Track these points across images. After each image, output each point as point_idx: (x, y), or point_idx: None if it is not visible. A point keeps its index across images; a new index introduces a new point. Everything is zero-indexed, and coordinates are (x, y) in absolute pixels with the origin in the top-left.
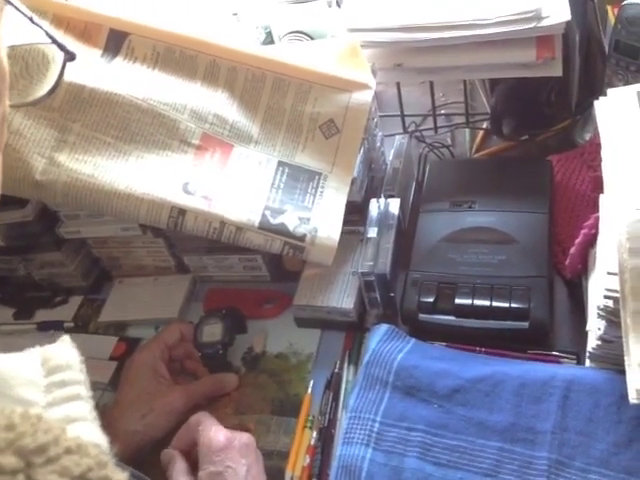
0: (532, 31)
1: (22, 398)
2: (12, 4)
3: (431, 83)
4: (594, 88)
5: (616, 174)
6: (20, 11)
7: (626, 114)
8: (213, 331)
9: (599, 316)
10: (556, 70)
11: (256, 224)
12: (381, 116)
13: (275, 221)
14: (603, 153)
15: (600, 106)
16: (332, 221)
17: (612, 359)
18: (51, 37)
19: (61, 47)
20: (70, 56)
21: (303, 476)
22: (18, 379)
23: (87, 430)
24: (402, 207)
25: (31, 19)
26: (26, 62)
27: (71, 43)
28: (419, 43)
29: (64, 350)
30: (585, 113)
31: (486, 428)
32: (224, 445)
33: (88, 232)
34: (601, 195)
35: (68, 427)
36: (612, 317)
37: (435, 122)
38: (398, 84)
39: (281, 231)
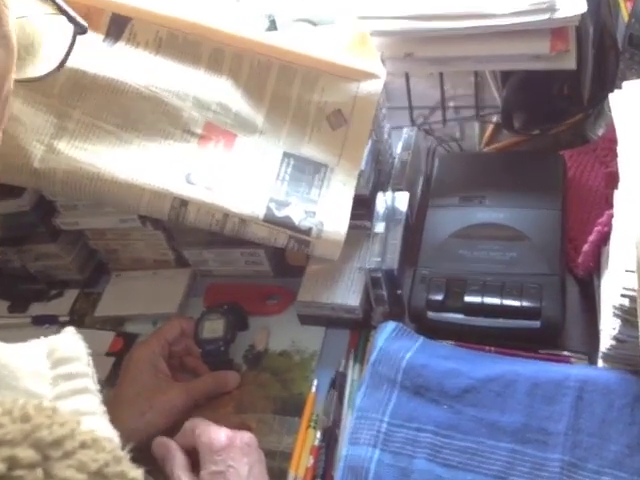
0: (547, 22)
1: (29, 390)
2: None
3: (441, 74)
4: (606, 82)
5: (632, 169)
6: None
7: None
8: (214, 327)
9: (614, 315)
10: (570, 63)
11: (261, 216)
12: (388, 108)
13: (280, 214)
14: (619, 148)
15: (615, 99)
16: (339, 215)
17: (626, 359)
18: (62, 8)
19: (71, 19)
20: (81, 29)
21: (307, 477)
22: (24, 371)
23: (97, 424)
24: (410, 201)
25: None
26: (25, 35)
27: None
28: (431, 32)
29: (70, 342)
30: (597, 107)
31: (497, 429)
32: (226, 444)
33: (86, 223)
34: (615, 191)
35: None
36: (628, 316)
37: (444, 115)
38: (407, 75)
39: (286, 224)
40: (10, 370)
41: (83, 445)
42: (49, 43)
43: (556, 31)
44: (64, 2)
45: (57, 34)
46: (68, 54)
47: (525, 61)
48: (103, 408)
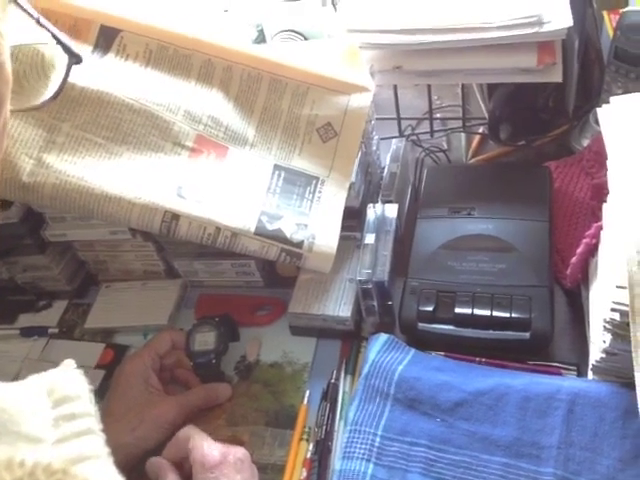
0: (534, 36)
1: (29, 435)
2: (19, 4)
3: (429, 86)
4: (591, 94)
5: (623, 183)
6: (26, 11)
7: (632, 122)
8: (206, 339)
9: (605, 329)
10: (556, 76)
11: (252, 230)
12: (376, 119)
13: (272, 227)
14: (609, 162)
15: (604, 114)
16: (330, 227)
17: (616, 372)
18: (58, 39)
19: (67, 49)
20: (76, 59)
21: None
22: (24, 414)
23: (101, 469)
24: (399, 212)
25: (38, 20)
26: (22, 64)
27: None
28: (420, 46)
29: (71, 378)
30: (582, 119)
31: (490, 443)
32: (219, 461)
33: (74, 235)
34: (604, 204)
35: (80, 466)
36: (618, 330)
37: (431, 126)
38: (395, 87)
39: (278, 237)
40: (10, 414)
41: None
42: (37, 71)
43: (543, 45)
44: (59, 32)
45: (46, 62)
46: (64, 84)
47: (513, 74)
48: (107, 449)
